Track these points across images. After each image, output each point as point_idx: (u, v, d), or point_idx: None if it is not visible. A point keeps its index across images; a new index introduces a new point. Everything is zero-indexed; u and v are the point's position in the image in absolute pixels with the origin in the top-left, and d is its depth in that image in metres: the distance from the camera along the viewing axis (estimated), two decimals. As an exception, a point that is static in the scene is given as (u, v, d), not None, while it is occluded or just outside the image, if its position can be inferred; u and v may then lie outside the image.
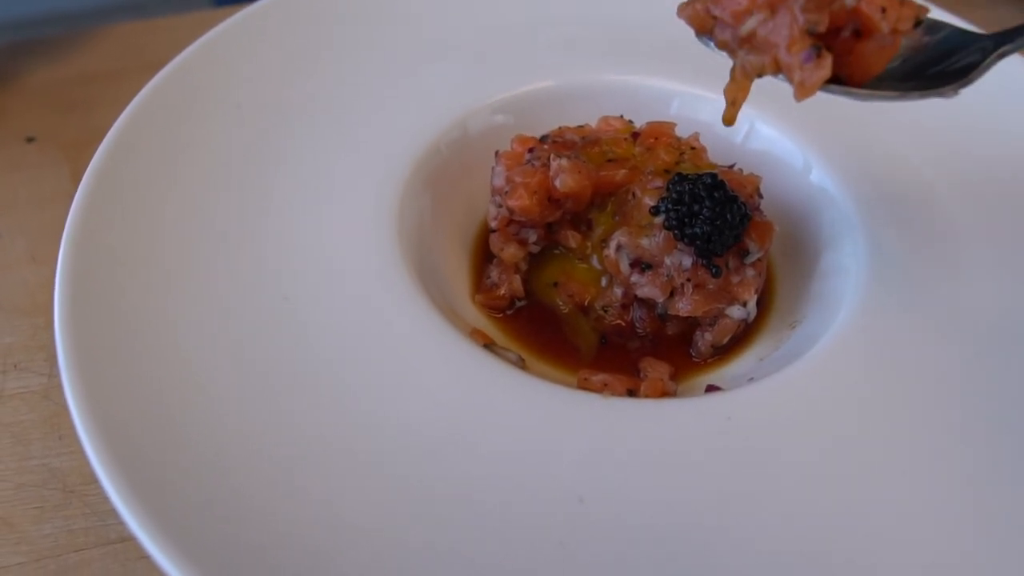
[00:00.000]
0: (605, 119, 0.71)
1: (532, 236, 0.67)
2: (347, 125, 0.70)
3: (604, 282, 0.66)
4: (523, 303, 0.68)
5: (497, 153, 0.68)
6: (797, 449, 0.51)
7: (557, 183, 0.63)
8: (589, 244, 0.67)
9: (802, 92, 0.50)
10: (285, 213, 0.62)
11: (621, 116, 0.71)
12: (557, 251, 0.69)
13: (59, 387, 0.49)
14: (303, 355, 0.54)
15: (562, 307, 0.67)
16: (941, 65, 0.54)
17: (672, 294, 0.62)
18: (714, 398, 0.56)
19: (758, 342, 0.65)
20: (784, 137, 0.73)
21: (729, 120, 0.56)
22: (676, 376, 0.62)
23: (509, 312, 0.68)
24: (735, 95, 0.54)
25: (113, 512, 0.55)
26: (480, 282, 0.69)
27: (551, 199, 0.64)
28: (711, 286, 0.61)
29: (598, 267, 0.66)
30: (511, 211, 0.64)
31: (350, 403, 0.52)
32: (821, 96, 0.51)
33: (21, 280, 0.74)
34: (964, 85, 0.52)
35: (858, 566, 0.46)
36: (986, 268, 0.62)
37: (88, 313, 0.53)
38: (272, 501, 0.46)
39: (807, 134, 0.72)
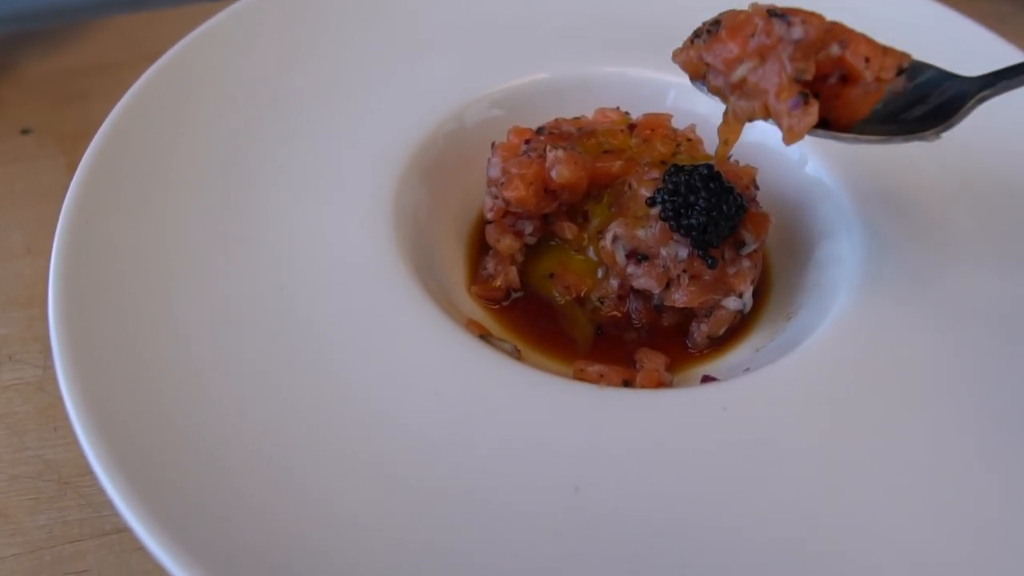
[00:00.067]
0: (601, 111, 0.71)
1: (528, 227, 0.67)
2: (343, 117, 0.70)
3: (600, 273, 0.66)
4: (519, 294, 0.68)
5: (493, 144, 0.68)
6: (793, 439, 0.51)
7: (553, 174, 0.63)
8: (585, 235, 0.67)
9: (790, 137, 0.52)
10: (281, 204, 0.62)
11: (617, 108, 0.71)
12: (553, 242, 0.68)
13: (54, 378, 0.49)
14: (299, 345, 0.54)
15: (558, 298, 0.67)
16: (925, 105, 0.56)
17: (668, 285, 0.62)
18: (710, 388, 0.56)
19: (754, 333, 0.65)
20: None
21: (721, 159, 0.59)
22: (672, 367, 0.63)
23: (505, 303, 0.68)
24: (727, 136, 0.57)
25: (108, 503, 0.55)
26: (476, 273, 0.69)
27: (547, 190, 0.64)
28: (707, 277, 0.61)
29: (594, 258, 0.66)
30: (507, 202, 0.64)
31: (345, 393, 0.52)
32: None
33: (16, 272, 0.74)
34: (945, 129, 0.54)
35: (853, 556, 0.46)
36: (981, 258, 0.62)
37: (82, 304, 0.53)
38: (267, 491, 0.46)
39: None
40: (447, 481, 0.48)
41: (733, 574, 0.45)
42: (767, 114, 0.53)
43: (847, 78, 0.53)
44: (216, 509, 0.45)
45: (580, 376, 0.59)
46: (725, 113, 0.56)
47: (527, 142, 0.66)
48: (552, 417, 0.52)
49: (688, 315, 0.65)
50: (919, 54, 0.76)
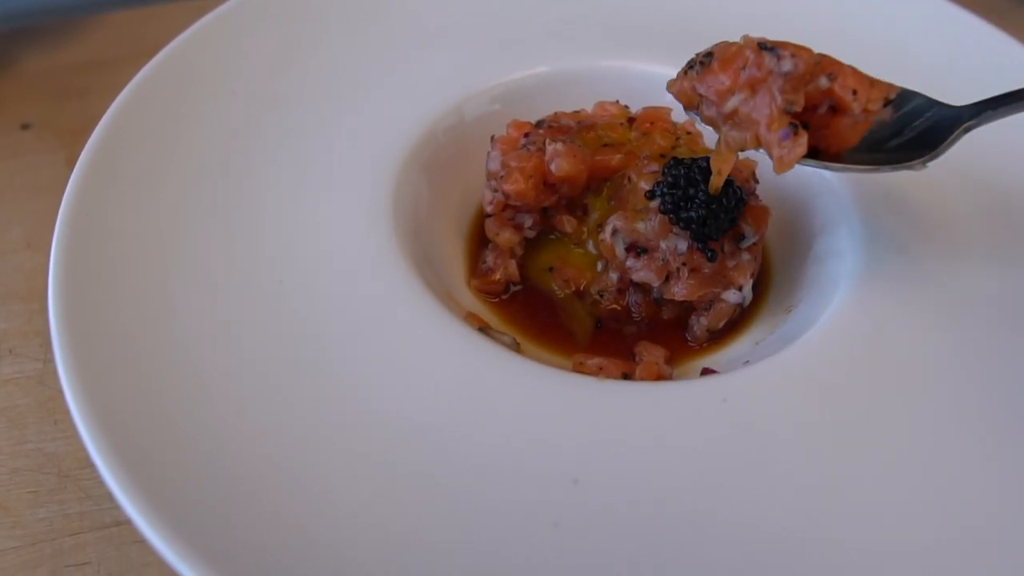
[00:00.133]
0: (601, 104, 0.71)
1: (528, 221, 0.67)
2: (343, 111, 0.70)
3: (600, 267, 0.66)
4: (518, 288, 0.68)
5: (493, 138, 0.68)
6: (792, 431, 0.51)
7: (552, 167, 0.63)
8: (585, 229, 0.67)
9: (780, 167, 0.53)
10: (281, 198, 0.62)
11: (617, 101, 0.71)
12: (553, 236, 0.68)
13: (54, 372, 0.49)
14: (298, 339, 0.54)
15: (558, 292, 0.67)
16: (912, 132, 0.57)
17: (668, 278, 0.62)
18: (709, 381, 0.56)
19: (754, 326, 0.65)
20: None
21: (714, 189, 0.59)
22: (672, 360, 0.63)
23: (504, 297, 0.68)
24: (720, 166, 0.58)
25: (108, 496, 0.55)
26: (476, 267, 0.69)
27: (546, 183, 0.64)
28: (707, 270, 0.61)
29: (594, 252, 0.66)
30: (507, 195, 0.64)
31: (344, 385, 0.52)
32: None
33: (17, 266, 0.74)
34: (931, 159, 0.56)
35: (853, 547, 0.46)
36: (981, 252, 0.62)
37: (82, 298, 0.53)
38: (267, 483, 0.46)
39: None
40: (446, 473, 0.48)
41: (732, 566, 0.45)
42: (758, 144, 0.54)
43: (836, 108, 0.55)
44: (216, 501, 0.45)
45: (579, 369, 0.59)
46: (718, 143, 0.57)
47: (526, 135, 0.66)
48: (551, 409, 0.52)
49: (688, 308, 0.65)
50: (919, 50, 0.77)
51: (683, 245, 0.60)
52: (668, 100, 0.73)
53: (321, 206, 0.62)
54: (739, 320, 0.66)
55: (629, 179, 0.64)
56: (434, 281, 0.62)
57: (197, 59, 0.70)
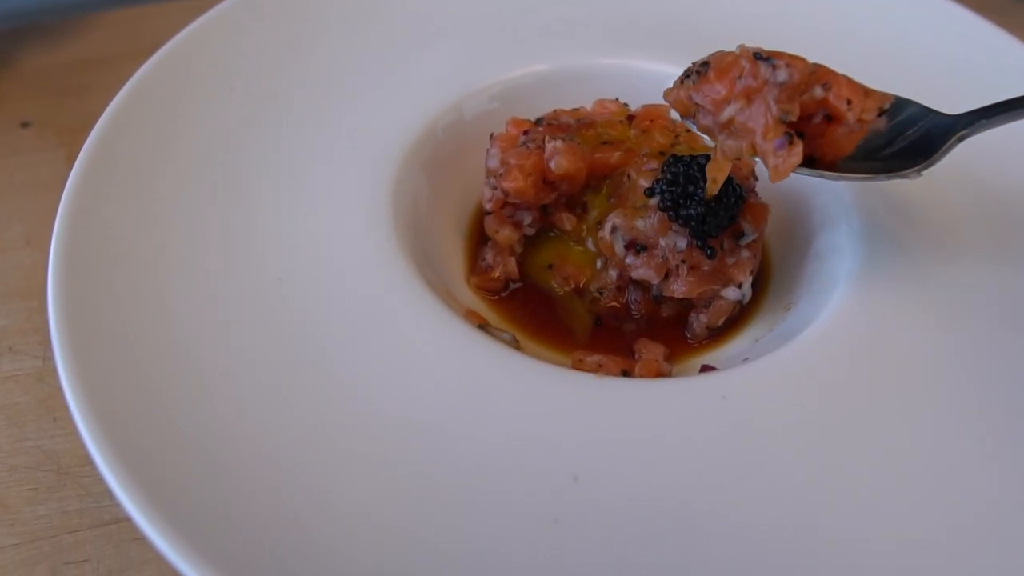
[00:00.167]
0: (600, 102, 0.71)
1: (527, 218, 0.67)
2: (342, 108, 0.70)
3: (599, 264, 0.66)
4: (518, 285, 0.68)
5: (492, 136, 0.68)
6: (791, 428, 0.51)
7: (552, 165, 0.63)
8: (584, 226, 0.67)
9: (776, 176, 0.54)
10: (280, 196, 0.62)
11: (616, 99, 0.71)
12: (552, 233, 0.68)
13: (53, 369, 0.49)
14: (297, 336, 0.54)
15: (557, 289, 0.67)
16: (905, 140, 0.58)
17: (667, 276, 0.62)
18: (709, 378, 0.56)
19: (753, 324, 0.65)
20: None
21: (710, 196, 0.59)
22: (671, 358, 0.63)
23: (504, 294, 0.68)
24: (715, 175, 0.58)
25: (107, 493, 0.55)
26: (475, 264, 0.69)
27: (546, 181, 0.64)
28: (706, 268, 0.61)
29: (593, 249, 0.66)
30: (506, 193, 0.64)
31: (343, 382, 0.52)
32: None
33: (16, 264, 0.74)
34: (925, 167, 0.56)
35: (851, 544, 0.46)
36: (980, 249, 0.62)
37: (81, 295, 0.53)
38: (266, 479, 0.46)
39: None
40: (445, 470, 0.48)
41: (731, 562, 0.45)
42: (754, 153, 0.55)
43: (831, 117, 0.55)
44: (215, 498, 0.45)
45: (578, 366, 0.59)
46: (714, 151, 0.57)
47: (526, 133, 0.67)
48: (551, 407, 0.52)
49: (687, 306, 0.65)
50: (918, 48, 0.77)
51: (682, 242, 0.60)
52: (667, 97, 0.73)
53: (321, 204, 0.62)
54: (738, 317, 0.66)
55: (628, 177, 0.64)
56: (433, 278, 0.62)
57: (196, 57, 0.70)
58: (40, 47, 0.98)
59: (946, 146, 0.56)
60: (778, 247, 0.71)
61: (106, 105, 0.64)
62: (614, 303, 0.66)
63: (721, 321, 0.64)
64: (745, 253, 0.62)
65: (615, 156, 0.65)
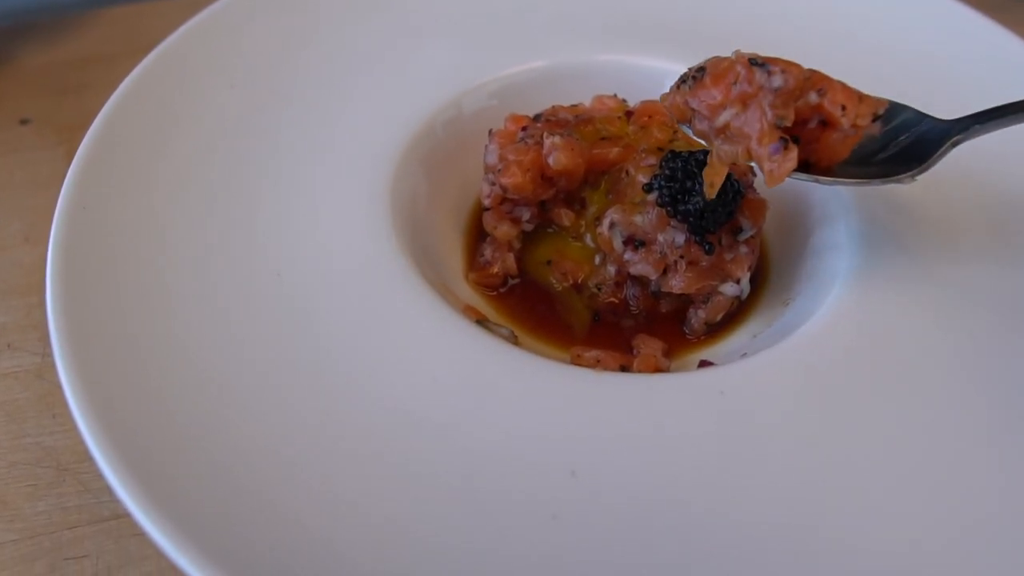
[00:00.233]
0: (599, 98, 0.71)
1: (525, 214, 0.67)
2: (341, 104, 0.70)
3: (598, 260, 0.66)
4: (516, 281, 0.68)
5: (491, 131, 0.68)
6: (789, 423, 0.51)
7: (550, 161, 0.63)
8: (583, 222, 0.67)
9: (771, 181, 0.54)
10: (279, 192, 0.62)
11: (614, 95, 0.71)
12: (551, 229, 0.69)
13: (52, 366, 0.49)
14: (296, 331, 0.54)
15: (555, 285, 0.67)
16: (900, 145, 0.58)
17: (665, 271, 0.62)
18: (707, 373, 0.56)
19: (752, 319, 0.66)
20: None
21: (707, 199, 0.59)
22: (669, 353, 0.63)
23: (502, 290, 0.68)
24: (712, 179, 0.58)
25: (106, 489, 0.55)
26: (473, 260, 0.69)
27: (544, 177, 0.64)
28: (704, 263, 0.61)
29: (591, 245, 0.66)
30: (504, 189, 0.64)
31: (342, 377, 0.52)
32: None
33: (15, 261, 0.74)
34: (920, 172, 0.57)
35: (848, 540, 0.46)
36: (978, 245, 0.62)
37: (80, 292, 0.53)
38: (265, 474, 0.47)
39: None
40: (443, 465, 0.48)
41: (729, 558, 0.45)
42: (749, 158, 0.55)
43: (826, 123, 0.55)
44: (214, 493, 0.45)
45: (577, 361, 0.59)
46: (710, 156, 0.57)
47: (524, 129, 0.67)
48: (549, 402, 0.52)
49: (685, 301, 0.65)
50: (918, 46, 0.76)
51: (681, 238, 0.61)
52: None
53: (319, 200, 0.62)
54: (737, 313, 0.66)
55: (627, 172, 0.64)
56: (432, 274, 0.62)
57: (194, 54, 0.70)
58: (39, 45, 0.98)
59: (940, 151, 0.57)
60: (776, 243, 0.71)
61: (104, 102, 0.64)
62: (612, 299, 0.66)
63: (719, 317, 0.64)
64: (743, 249, 0.62)
65: (613, 152, 0.65)
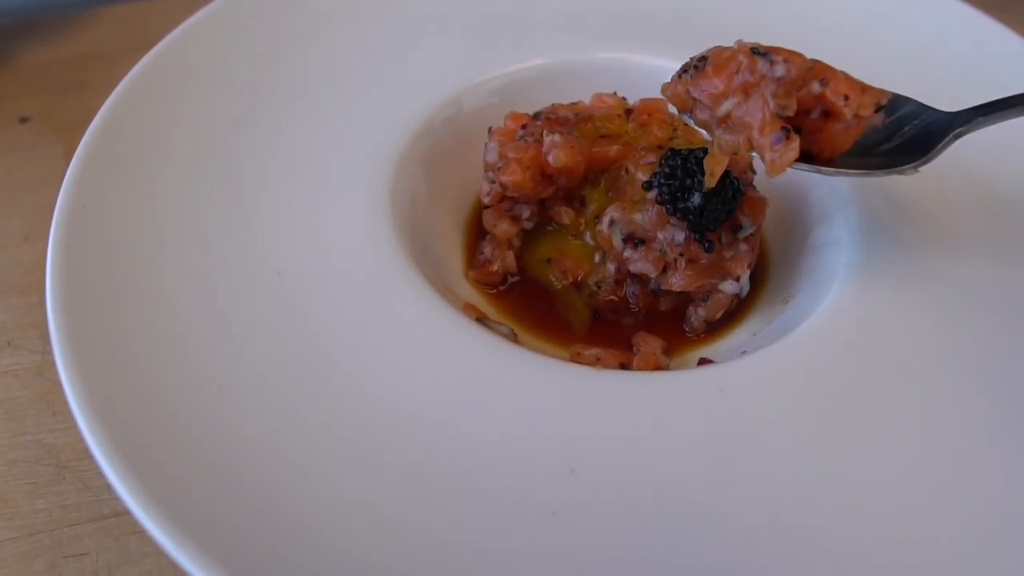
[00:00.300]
0: (598, 96, 0.71)
1: (525, 212, 0.67)
2: (341, 103, 0.70)
3: (597, 258, 0.66)
4: (516, 279, 0.68)
5: (490, 129, 0.68)
6: (788, 421, 0.51)
7: (550, 158, 0.63)
8: (582, 220, 0.67)
9: (773, 170, 0.54)
10: (279, 190, 0.62)
11: (614, 93, 0.71)
12: (550, 227, 0.69)
13: (52, 364, 0.49)
14: (296, 330, 0.54)
15: (555, 283, 0.67)
16: (903, 136, 0.57)
17: (665, 269, 0.62)
18: (706, 371, 0.56)
19: (751, 317, 0.66)
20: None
21: (707, 188, 0.59)
22: (669, 351, 0.63)
23: (502, 288, 0.68)
24: (713, 168, 0.58)
25: (106, 487, 0.55)
26: (473, 258, 0.69)
27: (544, 175, 0.64)
28: (704, 261, 0.61)
29: (591, 243, 0.66)
30: (504, 187, 0.64)
31: (341, 376, 0.52)
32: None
33: (15, 259, 0.74)
34: (922, 164, 0.56)
35: (849, 538, 0.46)
36: (978, 242, 0.62)
37: (80, 290, 0.53)
38: (264, 471, 0.47)
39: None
40: (443, 463, 0.48)
41: (728, 555, 0.45)
42: (751, 147, 0.55)
43: (828, 113, 0.55)
44: (214, 491, 0.45)
45: (577, 359, 0.59)
46: (711, 145, 0.57)
47: (524, 127, 0.67)
48: (549, 400, 0.52)
49: (685, 299, 0.65)
50: (918, 44, 0.76)
51: (680, 236, 0.60)
52: (666, 91, 0.73)
53: (319, 198, 0.62)
54: (736, 311, 0.66)
55: (626, 170, 0.64)
56: (432, 272, 0.62)
57: (194, 52, 0.70)
58: (39, 43, 0.98)
59: (943, 143, 0.56)
60: (776, 240, 0.71)
61: (104, 100, 0.64)
62: (612, 296, 0.66)
63: (719, 314, 0.64)
64: (743, 246, 0.62)
65: (613, 150, 0.65)
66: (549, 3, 0.80)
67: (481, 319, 0.59)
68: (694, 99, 0.57)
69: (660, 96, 0.68)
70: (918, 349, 0.56)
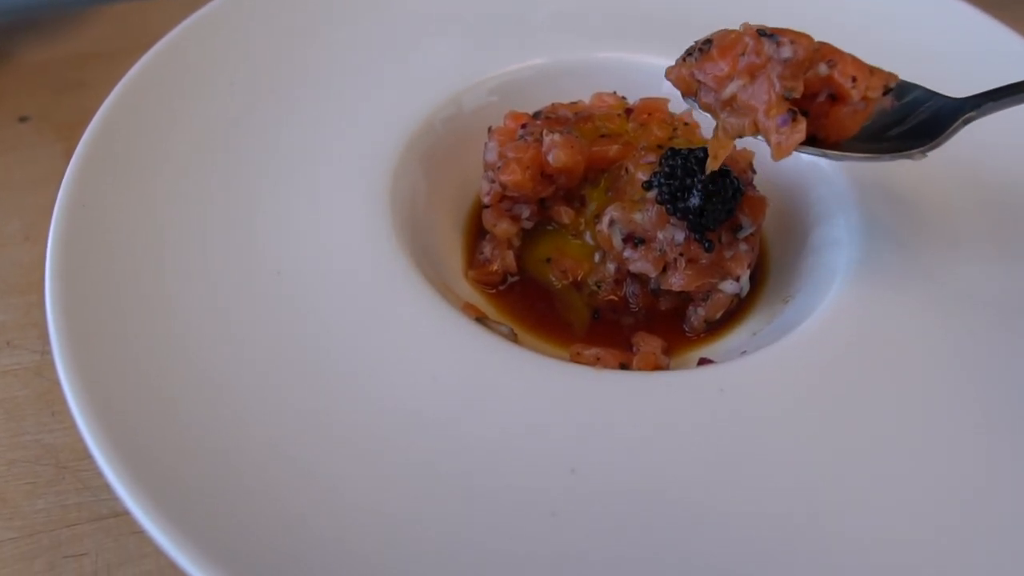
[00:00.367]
0: (598, 95, 0.71)
1: (525, 212, 0.67)
2: (341, 102, 0.70)
3: (597, 258, 0.66)
4: (516, 279, 0.68)
5: (490, 129, 0.68)
6: (788, 421, 0.51)
7: (550, 158, 0.63)
8: (582, 220, 0.67)
9: (778, 153, 0.53)
10: (278, 190, 0.62)
11: (614, 92, 0.71)
12: (550, 227, 0.68)
13: (52, 364, 0.49)
14: (296, 329, 0.54)
15: (555, 283, 0.67)
16: (911, 122, 0.57)
17: (665, 269, 0.62)
18: (706, 371, 0.56)
19: (751, 317, 0.66)
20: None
21: (710, 172, 0.59)
22: (669, 351, 0.63)
23: (502, 287, 0.68)
24: (717, 151, 0.57)
25: (106, 487, 0.55)
26: (473, 258, 0.69)
27: (544, 174, 0.64)
28: (704, 261, 0.61)
29: (591, 243, 0.66)
30: (504, 186, 0.64)
31: (341, 376, 0.52)
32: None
33: (15, 259, 0.74)
34: (931, 148, 0.55)
35: (849, 537, 0.46)
36: (978, 242, 0.62)
37: (79, 290, 0.53)
38: (264, 471, 0.47)
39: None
40: (443, 463, 0.48)
41: (728, 554, 0.45)
42: (756, 130, 0.54)
43: (836, 97, 0.55)
44: (213, 491, 0.45)
45: (577, 359, 0.59)
46: (715, 129, 0.57)
47: (524, 127, 0.67)
48: (549, 399, 0.52)
49: (685, 299, 0.65)
50: (918, 41, 0.76)
51: (680, 235, 0.60)
52: (665, 91, 0.73)
53: (319, 197, 0.62)
54: (736, 310, 0.66)
55: (626, 170, 0.64)
56: (432, 272, 0.62)
57: (194, 51, 0.70)
58: (38, 42, 0.98)
59: (952, 128, 0.55)
60: (776, 240, 0.71)
61: (104, 99, 0.64)
62: (612, 296, 0.66)
63: (719, 314, 0.64)
64: (743, 246, 0.62)
65: (613, 149, 0.65)
66: (549, 3, 0.80)
67: (481, 319, 0.59)
68: (698, 82, 0.56)
69: (660, 95, 0.69)
70: (918, 349, 0.56)
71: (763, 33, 0.53)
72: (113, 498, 0.55)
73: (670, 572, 0.45)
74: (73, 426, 0.47)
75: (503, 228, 0.67)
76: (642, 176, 0.62)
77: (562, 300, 0.67)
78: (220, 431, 0.48)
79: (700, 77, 0.56)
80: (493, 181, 0.65)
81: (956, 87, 0.58)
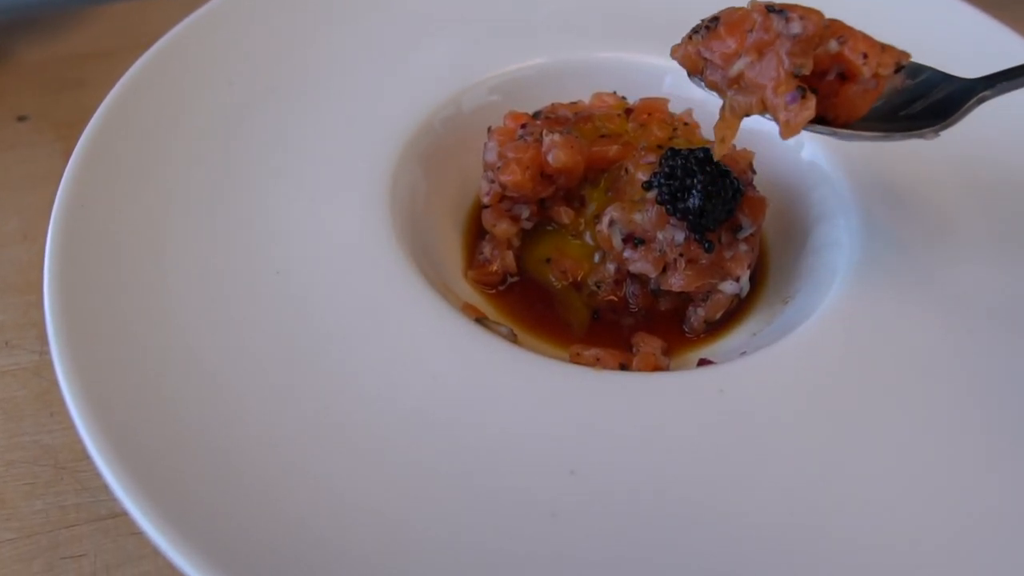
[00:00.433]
0: (598, 95, 0.71)
1: (525, 212, 0.67)
2: (340, 102, 0.70)
3: (597, 258, 0.66)
4: (516, 279, 0.68)
5: (490, 129, 0.68)
6: (788, 422, 0.51)
7: (550, 158, 0.63)
8: (582, 220, 0.66)
9: (787, 131, 0.52)
10: (278, 189, 0.62)
11: (614, 92, 0.71)
12: (550, 227, 0.68)
13: (50, 364, 0.49)
14: (296, 330, 0.54)
15: (555, 283, 0.67)
16: (924, 102, 0.56)
17: (665, 269, 0.61)
18: (706, 371, 0.56)
19: (751, 317, 0.65)
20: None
21: (718, 157, 0.58)
22: (669, 351, 0.62)
23: (501, 288, 0.68)
24: (723, 133, 0.56)
25: (104, 488, 0.55)
26: (473, 258, 0.69)
27: (544, 174, 0.64)
28: (704, 261, 0.61)
29: (591, 243, 0.66)
30: (503, 186, 0.64)
31: (341, 377, 0.52)
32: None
33: (13, 258, 0.74)
34: (944, 127, 0.54)
35: (849, 538, 0.46)
36: (977, 243, 0.62)
37: (78, 290, 0.53)
38: (263, 472, 0.46)
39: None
40: (442, 463, 0.48)
41: (728, 555, 0.45)
42: (764, 109, 0.53)
43: (846, 76, 0.53)
44: (212, 492, 0.45)
45: (576, 360, 0.59)
46: (722, 109, 0.56)
47: (523, 127, 0.66)
48: (548, 400, 0.52)
49: (685, 299, 0.65)
50: (918, 41, 0.76)
51: (680, 236, 0.60)
52: (665, 91, 0.73)
53: (319, 197, 0.62)
54: (736, 311, 0.66)
55: (626, 170, 0.64)
56: (431, 272, 0.62)
57: (193, 50, 0.70)
58: (37, 41, 0.98)
59: (966, 106, 0.54)
60: (776, 241, 0.71)
61: (103, 98, 0.64)
62: (612, 297, 0.66)
63: (719, 315, 0.64)
64: (743, 247, 0.62)
65: (613, 149, 0.65)
66: (549, 3, 0.80)
67: (480, 319, 0.59)
68: (705, 60, 0.55)
69: (660, 96, 0.69)
70: (917, 349, 0.56)
71: (772, 9, 0.52)
72: (111, 499, 0.56)
73: (670, 572, 0.45)
74: (72, 426, 0.47)
75: (503, 228, 0.66)
76: (642, 176, 0.62)
77: (562, 300, 0.67)
78: (219, 431, 0.48)
79: (707, 55, 0.54)
80: (493, 181, 0.65)
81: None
